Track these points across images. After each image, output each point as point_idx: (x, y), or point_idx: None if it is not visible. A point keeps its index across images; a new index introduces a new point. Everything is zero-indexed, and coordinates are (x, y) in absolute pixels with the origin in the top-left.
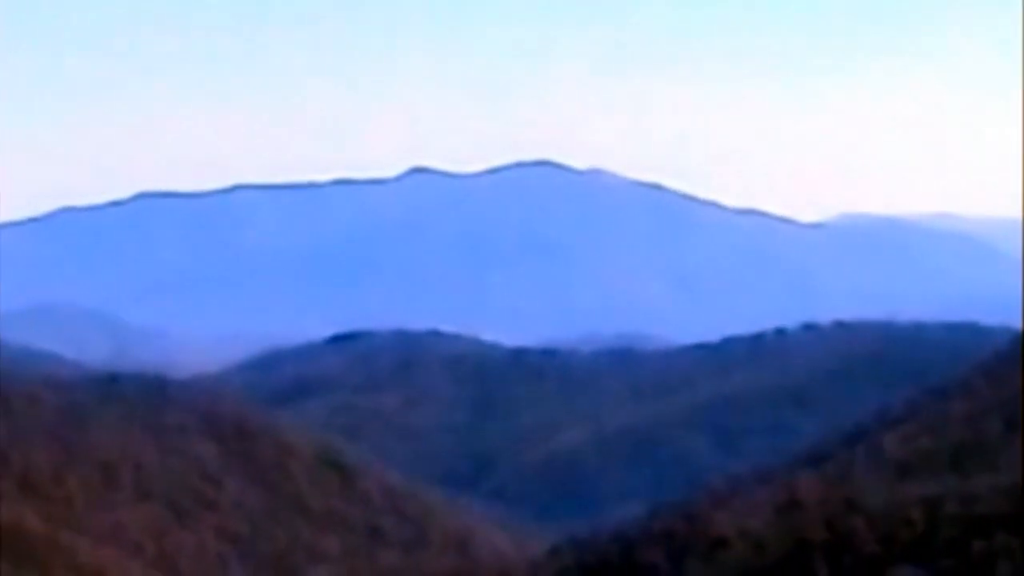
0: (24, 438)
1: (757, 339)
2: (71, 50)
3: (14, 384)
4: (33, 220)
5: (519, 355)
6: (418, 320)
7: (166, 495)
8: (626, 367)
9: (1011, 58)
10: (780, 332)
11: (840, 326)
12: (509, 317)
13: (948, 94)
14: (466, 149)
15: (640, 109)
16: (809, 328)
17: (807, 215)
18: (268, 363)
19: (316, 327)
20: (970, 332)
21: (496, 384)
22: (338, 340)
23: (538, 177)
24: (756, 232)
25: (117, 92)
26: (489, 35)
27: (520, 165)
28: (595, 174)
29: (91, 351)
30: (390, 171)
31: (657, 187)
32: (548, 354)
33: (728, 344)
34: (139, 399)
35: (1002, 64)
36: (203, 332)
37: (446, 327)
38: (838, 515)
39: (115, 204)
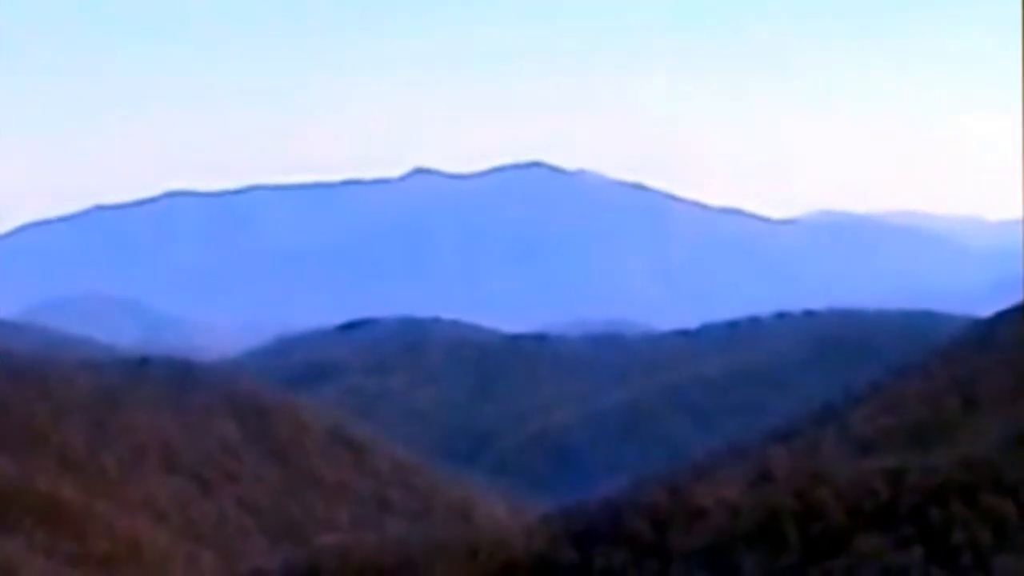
0: (62, 417)
1: (733, 326)
2: (101, 57)
3: (52, 367)
4: (69, 218)
5: (514, 340)
6: (421, 308)
7: (191, 469)
8: (613, 351)
9: (975, 64)
10: (754, 320)
11: (810, 314)
12: (505, 305)
13: (915, 98)
14: (464, 151)
15: (624, 113)
16: (781, 316)
17: (781, 212)
18: (283, 348)
19: (327, 315)
20: (928, 319)
21: (493, 367)
22: (348, 327)
23: (531, 178)
24: (733, 228)
25: (144, 98)
26: (483, 42)
27: (514, 167)
28: (583, 175)
29: (122, 337)
30: (394, 172)
31: (641, 187)
32: (541, 339)
33: (706, 330)
34: (166, 381)
35: (966, 70)
36: (224, 320)
37: (447, 315)
38: (807, 487)
39: (143, 203)
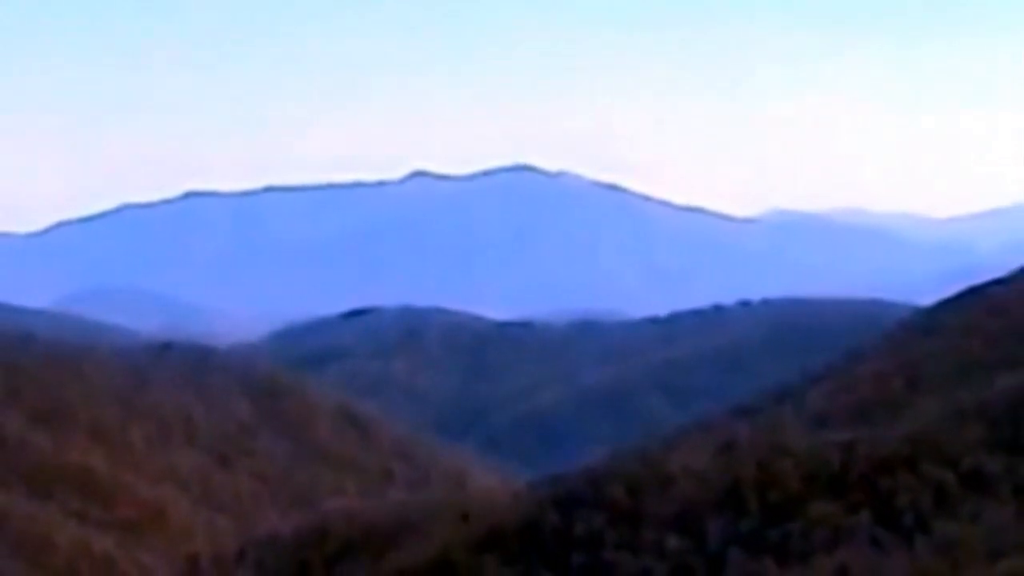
0: (93, 396)
1: (699, 314)
2: (129, 69)
3: (84, 352)
4: (99, 216)
5: (504, 327)
6: (419, 298)
7: (210, 443)
8: (592, 336)
9: (913, 71)
10: (719, 308)
11: (768, 303)
12: (495, 295)
13: (866, 102)
14: (458, 156)
15: (602, 121)
16: (743, 305)
17: (744, 211)
18: (294, 334)
19: (333, 304)
20: (876, 308)
21: (485, 351)
22: (352, 315)
23: (518, 180)
24: (701, 226)
25: (168, 106)
26: (475, 59)
27: (503, 170)
28: (565, 176)
29: (148, 324)
30: (395, 174)
31: (617, 188)
32: (527, 326)
33: (676, 318)
34: (188, 364)
35: (913, 73)
36: (240, 309)
37: (443, 304)
38: (767, 457)
39: (167, 202)
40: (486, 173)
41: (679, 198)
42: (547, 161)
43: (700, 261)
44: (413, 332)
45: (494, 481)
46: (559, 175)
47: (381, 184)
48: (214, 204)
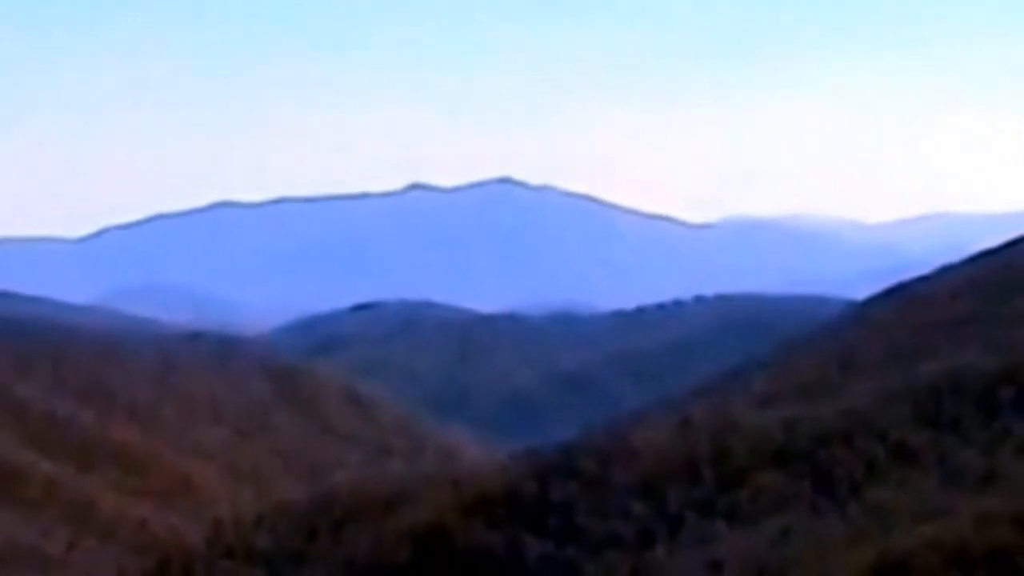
0: (130, 379)
1: (661, 307)
2: (162, 92)
3: (123, 341)
4: (137, 223)
5: (489, 318)
6: (416, 293)
7: (233, 421)
8: (567, 327)
9: (861, 81)
10: (678, 303)
11: (721, 298)
12: (482, 291)
13: (805, 118)
14: (450, 169)
15: (580, 139)
16: (699, 300)
17: (701, 218)
18: (306, 325)
19: (341, 299)
20: (815, 302)
21: (473, 340)
22: (357, 308)
23: (502, 191)
24: (663, 231)
25: (197, 125)
26: (468, 84)
27: (490, 182)
28: (544, 189)
29: (179, 316)
30: (395, 186)
31: (590, 198)
32: (510, 318)
33: (640, 311)
34: (214, 351)
35: (853, 89)
36: (260, 302)
37: (436, 298)
38: (719, 433)
39: (197, 211)
40: (475, 185)
41: (645, 206)
42: (528, 175)
43: (662, 262)
44: (410, 323)
45: (481, 454)
46: (539, 188)
47: (383, 195)
48: (238, 213)
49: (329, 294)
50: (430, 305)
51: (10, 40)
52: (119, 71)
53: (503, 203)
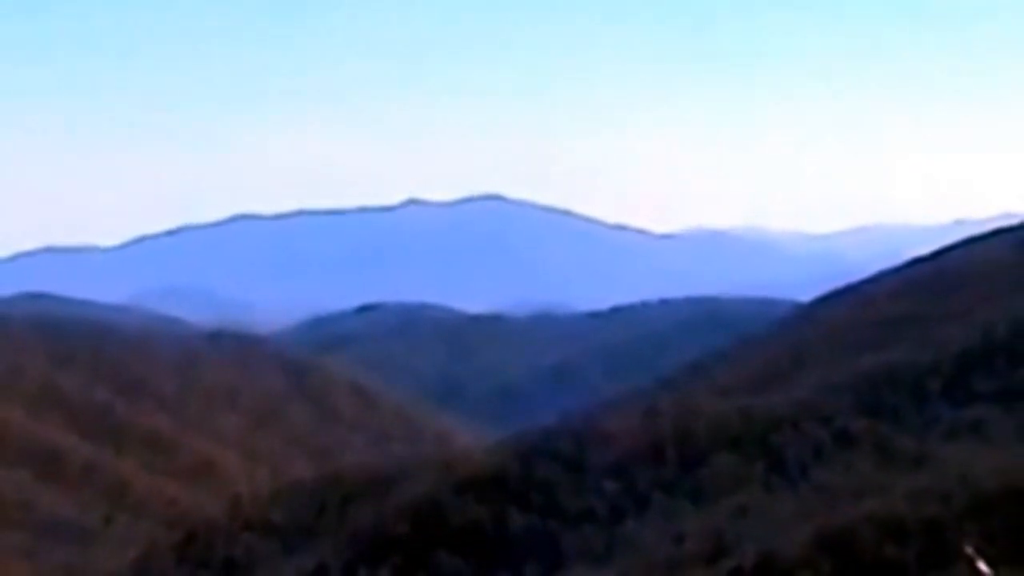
0: (159, 372)
1: (632, 308)
2: (187, 109)
3: (152, 338)
4: (164, 233)
5: (478, 319)
6: (414, 296)
7: (251, 410)
8: (549, 326)
9: (804, 107)
10: (646, 304)
11: (686, 300)
12: (472, 294)
13: (757, 139)
14: (443, 185)
15: (555, 158)
16: (664, 302)
17: (665, 228)
18: (316, 324)
19: (347, 301)
20: (767, 304)
21: (465, 337)
22: (362, 309)
23: (490, 205)
24: (631, 240)
25: (219, 142)
26: (459, 109)
27: (479, 197)
28: (526, 203)
29: (201, 316)
30: (393, 201)
31: (568, 212)
32: (498, 318)
33: (614, 311)
34: (234, 347)
35: (798, 112)
36: (275, 303)
37: (432, 301)
38: (683, 419)
39: (219, 223)
40: (466, 200)
41: (615, 218)
42: (512, 190)
43: (632, 267)
44: (409, 323)
45: (471, 439)
46: (522, 203)
47: (384, 209)
48: (256, 224)
49: (336, 297)
50: (426, 307)
51: (51, 72)
52: (147, 98)
53: (491, 216)
